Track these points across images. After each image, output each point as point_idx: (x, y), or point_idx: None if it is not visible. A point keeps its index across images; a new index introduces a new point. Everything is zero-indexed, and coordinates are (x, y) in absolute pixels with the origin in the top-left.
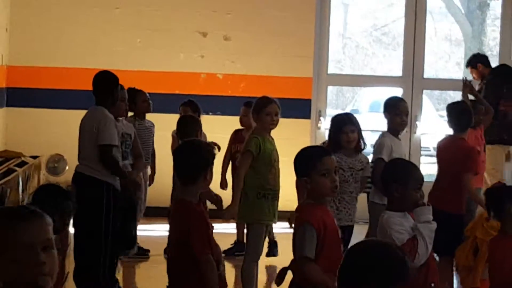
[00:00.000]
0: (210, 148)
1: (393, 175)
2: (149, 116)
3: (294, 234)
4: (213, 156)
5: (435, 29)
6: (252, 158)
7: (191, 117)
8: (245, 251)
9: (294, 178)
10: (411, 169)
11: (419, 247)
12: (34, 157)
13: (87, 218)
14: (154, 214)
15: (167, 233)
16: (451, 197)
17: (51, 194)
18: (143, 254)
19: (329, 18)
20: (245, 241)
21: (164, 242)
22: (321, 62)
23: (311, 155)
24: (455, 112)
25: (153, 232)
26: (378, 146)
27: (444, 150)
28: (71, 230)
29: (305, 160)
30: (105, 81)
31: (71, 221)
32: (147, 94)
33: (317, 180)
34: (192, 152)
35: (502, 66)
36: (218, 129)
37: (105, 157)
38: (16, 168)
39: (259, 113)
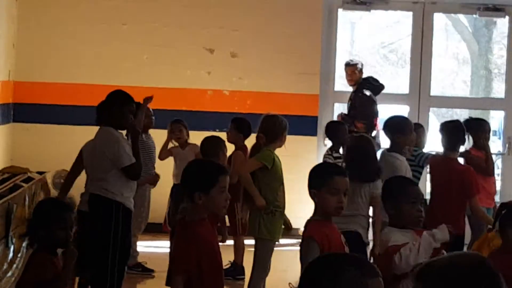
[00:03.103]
0: (215, 169)
1: (387, 192)
2: (154, 132)
3: (300, 250)
4: (211, 178)
5: (447, 46)
6: (261, 169)
7: (215, 137)
8: (253, 267)
9: (301, 195)
10: (403, 185)
11: (409, 251)
12: (41, 173)
13: (98, 237)
14: (159, 230)
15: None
16: (449, 218)
17: (53, 208)
18: (147, 273)
19: (336, 35)
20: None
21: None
22: (328, 79)
23: (326, 170)
24: (447, 130)
25: (157, 249)
26: (396, 166)
27: (438, 172)
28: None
29: (319, 174)
30: (110, 99)
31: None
32: (151, 110)
33: (324, 197)
34: (193, 169)
35: (369, 80)
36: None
37: (131, 176)
38: (23, 184)
39: (284, 132)
